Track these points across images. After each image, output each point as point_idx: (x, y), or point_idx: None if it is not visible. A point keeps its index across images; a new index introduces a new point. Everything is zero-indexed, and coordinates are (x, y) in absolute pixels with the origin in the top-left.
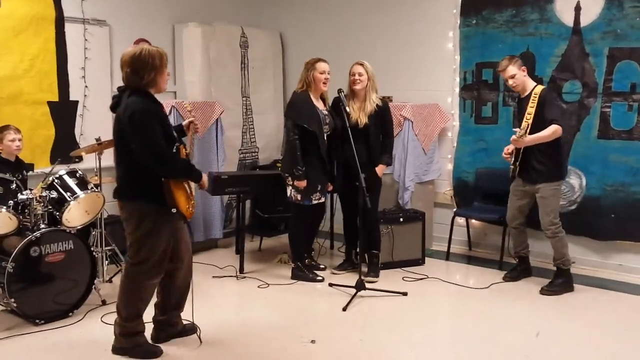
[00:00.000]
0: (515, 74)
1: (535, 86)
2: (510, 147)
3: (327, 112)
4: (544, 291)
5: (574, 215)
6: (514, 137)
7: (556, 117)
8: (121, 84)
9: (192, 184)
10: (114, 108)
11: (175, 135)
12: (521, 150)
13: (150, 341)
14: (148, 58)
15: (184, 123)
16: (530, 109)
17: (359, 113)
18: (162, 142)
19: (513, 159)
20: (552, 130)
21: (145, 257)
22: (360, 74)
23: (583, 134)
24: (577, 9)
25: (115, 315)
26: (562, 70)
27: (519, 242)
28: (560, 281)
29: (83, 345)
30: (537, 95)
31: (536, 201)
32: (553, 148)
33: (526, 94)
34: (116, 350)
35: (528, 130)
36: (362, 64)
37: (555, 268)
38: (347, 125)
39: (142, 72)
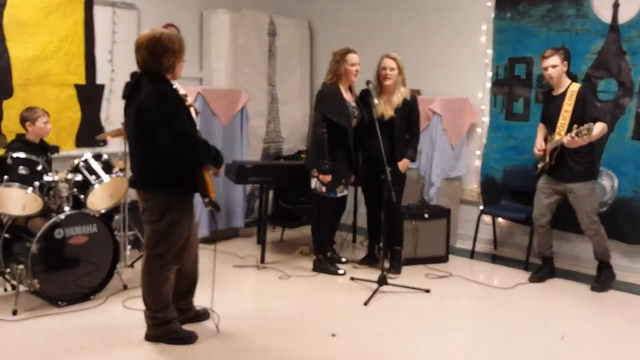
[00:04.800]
0: (557, 65)
1: (571, 84)
2: (542, 144)
3: (355, 105)
4: (595, 288)
5: (603, 217)
6: (569, 137)
7: (601, 115)
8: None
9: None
10: (130, 95)
11: (194, 122)
12: (558, 149)
13: None
14: (168, 42)
15: None
16: (568, 106)
17: (385, 106)
18: (191, 129)
19: (545, 156)
20: (601, 128)
21: (167, 249)
22: (392, 69)
23: (617, 134)
24: (615, 5)
25: (140, 303)
26: (597, 68)
27: (544, 242)
28: (605, 275)
29: (104, 328)
30: (575, 93)
31: (564, 200)
32: (588, 147)
33: (560, 91)
34: (150, 338)
35: (565, 129)
36: (394, 58)
37: (597, 262)
38: (375, 118)
39: (161, 57)
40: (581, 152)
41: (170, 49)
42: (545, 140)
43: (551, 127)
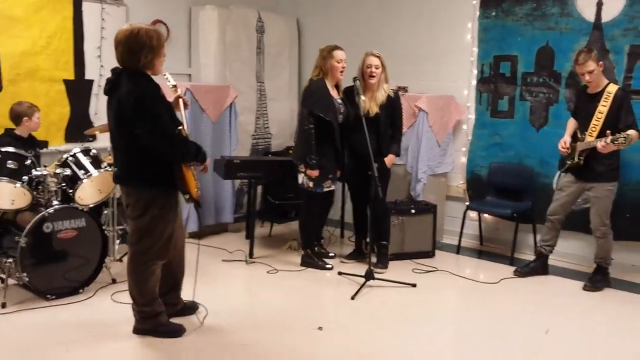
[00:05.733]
0: (594, 70)
1: (608, 84)
2: (569, 141)
3: (341, 101)
4: (587, 287)
5: (588, 213)
6: (604, 143)
7: (635, 122)
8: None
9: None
10: (111, 91)
11: (177, 118)
12: (588, 150)
13: None
14: (145, 39)
15: (170, 100)
16: (603, 107)
17: (369, 103)
18: (171, 126)
19: (574, 155)
20: (635, 136)
21: (150, 244)
22: (376, 67)
23: None
24: (599, 4)
25: (128, 296)
26: None
27: (548, 237)
28: (600, 277)
29: (93, 322)
30: (612, 95)
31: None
32: (614, 150)
33: (597, 90)
34: (138, 331)
35: (597, 131)
36: (378, 56)
37: (595, 265)
38: (362, 114)
39: (139, 54)
40: (606, 153)
41: (148, 45)
42: (574, 136)
43: (583, 127)
